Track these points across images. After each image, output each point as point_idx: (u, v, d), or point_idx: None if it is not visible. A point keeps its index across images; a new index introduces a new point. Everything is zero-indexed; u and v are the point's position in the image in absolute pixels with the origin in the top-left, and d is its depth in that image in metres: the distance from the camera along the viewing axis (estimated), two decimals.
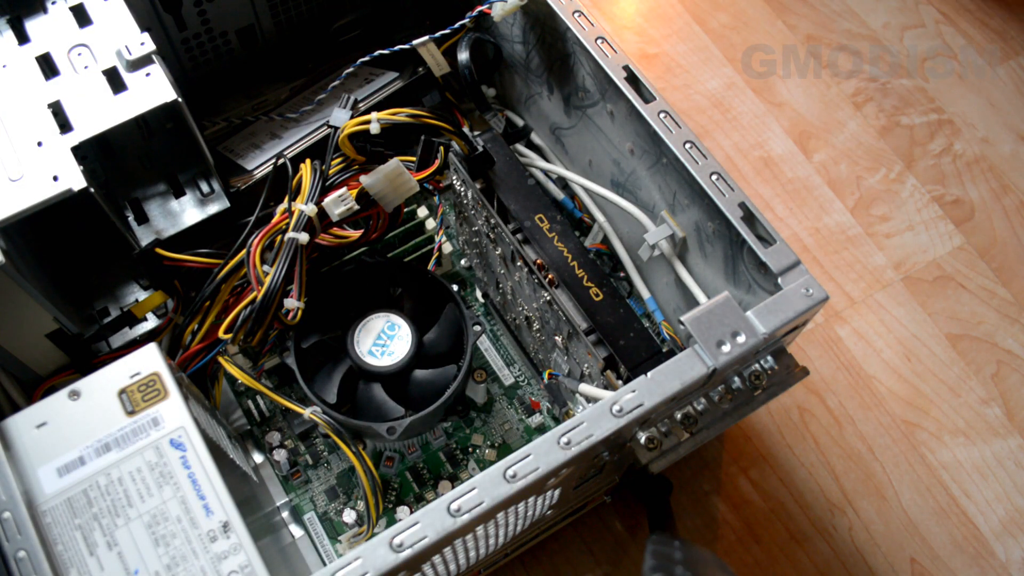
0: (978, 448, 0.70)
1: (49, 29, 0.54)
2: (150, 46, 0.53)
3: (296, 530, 0.61)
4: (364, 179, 0.56)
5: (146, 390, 0.45)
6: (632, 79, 0.56)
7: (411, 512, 0.57)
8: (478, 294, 0.71)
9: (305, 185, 0.55)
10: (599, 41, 0.57)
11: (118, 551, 0.41)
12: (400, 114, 0.57)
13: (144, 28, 0.54)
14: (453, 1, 0.69)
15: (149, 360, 0.46)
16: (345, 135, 0.58)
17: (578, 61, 0.60)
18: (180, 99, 0.52)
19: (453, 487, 0.51)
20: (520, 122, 0.72)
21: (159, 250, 0.57)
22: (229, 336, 0.54)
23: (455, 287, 0.62)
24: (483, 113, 0.66)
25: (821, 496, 0.68)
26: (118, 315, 0.58)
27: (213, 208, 0.60)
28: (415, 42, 0.62)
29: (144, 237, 0.59)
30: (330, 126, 0.59)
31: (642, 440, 0.45)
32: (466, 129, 0.61)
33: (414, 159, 0.58)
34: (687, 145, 0.53)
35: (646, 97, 0.55)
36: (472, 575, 0.58)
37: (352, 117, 0.58)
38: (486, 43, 0.68)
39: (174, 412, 0.44)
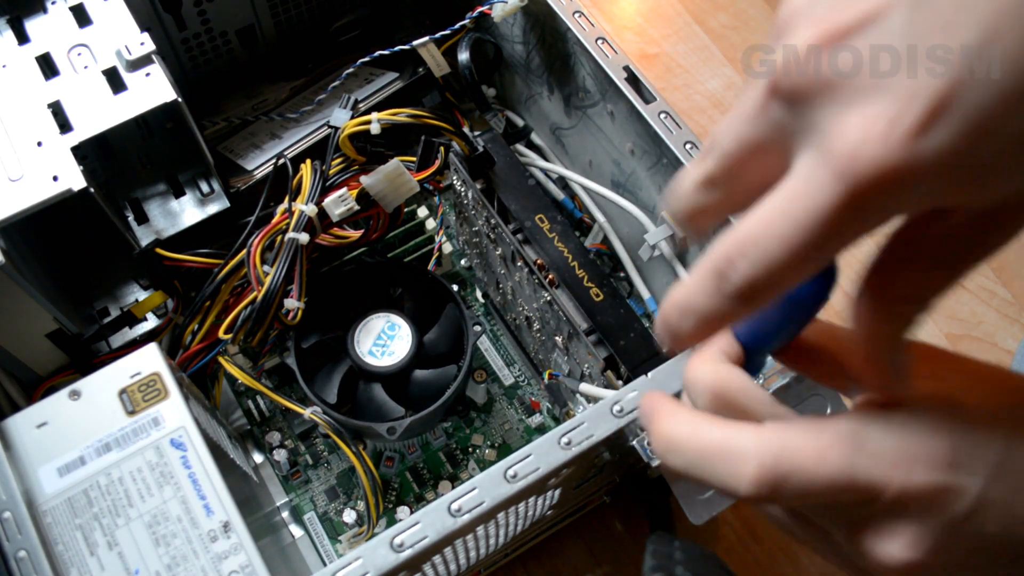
0: None
1: (49, 29, 0.54)
2: (150, 46, 0.53)
3: (296, 530, 0.61)
4: (364, 179, 0.56)
5: (146, 390, 0.45)
6: (632, 79, 0.56)
7: (411, 512, 0.57)
8: (478, 294, 0.71)
9: (305, 185, 0.55)
10: (599, 41, 0.57)
11: (119, 551, 0.41)
12: (400, 114, 0.57)
13: (144, 28, 0.54)
14: (453, 1, 0.69)
15: (149, 360, 0.46)
16: (345, 135, 0.58)
17: (578, 61, 0.60)
18: (180, 99, 0.52)
19: (453, 487, 0.51)
20: (520, 122, 0.72)
21: (159, 250, 0.57)
22: (229, 336, 0.54)
23: (455, 287, 0.62)
24: (483, 113, 0.66)
25: None
26: (118, 315, 0.58)
27: (213, 208, 0.60)
28: (415, 42, 0.62)
29: (144, 237, 0.59)
30: (330, 126, 0.59)
31: (643, 440, 0.45)
32: (466, 129, 0.61)
33: (414, 159, 0.58)
34: (687, 146, 0.53)
35: (646, 97, 0.55)
36: (472, 575, 0.58)
37: (352, 117, 0.59)
38: (486, 43, 0.68)
39: (174, 412, 0.44)
